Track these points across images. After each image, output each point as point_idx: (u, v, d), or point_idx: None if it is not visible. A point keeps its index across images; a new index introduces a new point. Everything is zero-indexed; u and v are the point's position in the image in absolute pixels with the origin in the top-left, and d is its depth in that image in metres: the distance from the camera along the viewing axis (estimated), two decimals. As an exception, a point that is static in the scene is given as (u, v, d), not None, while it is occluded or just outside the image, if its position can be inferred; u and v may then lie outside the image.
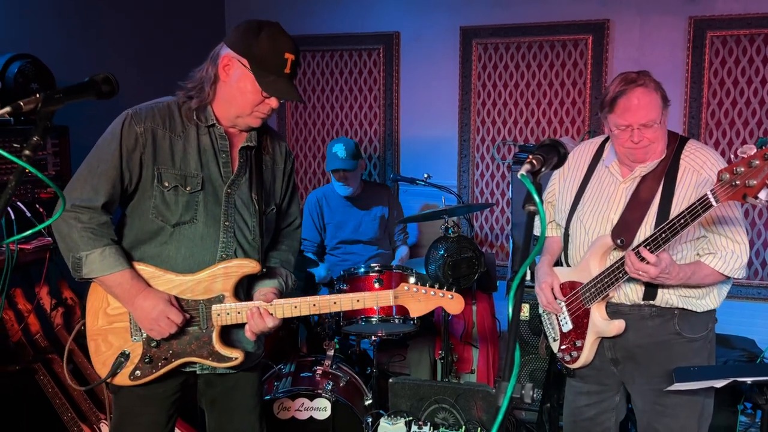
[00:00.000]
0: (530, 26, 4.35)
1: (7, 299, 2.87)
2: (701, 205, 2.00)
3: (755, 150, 1.86)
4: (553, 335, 2.57)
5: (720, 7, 4.00)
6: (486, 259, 3.50)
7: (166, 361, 2.08)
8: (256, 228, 2.14)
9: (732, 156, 1.91)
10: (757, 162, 1.85)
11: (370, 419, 3.04)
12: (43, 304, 3.05)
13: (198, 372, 2.17)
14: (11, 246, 2.73)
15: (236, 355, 2.09)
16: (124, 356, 2.06)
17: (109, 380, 2.08)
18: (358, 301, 2.08)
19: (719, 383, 1.96)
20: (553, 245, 2.60)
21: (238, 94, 2.00)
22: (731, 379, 1.95)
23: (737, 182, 1.89)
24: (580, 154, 2.52)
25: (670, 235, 2.07)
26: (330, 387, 3.03)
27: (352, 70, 4.79)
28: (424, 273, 3.31)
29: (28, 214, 2.89)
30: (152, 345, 2.06)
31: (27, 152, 1.27)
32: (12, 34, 3.31)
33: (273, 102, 2.01)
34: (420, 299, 2.08)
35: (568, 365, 2.52)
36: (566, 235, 2.49)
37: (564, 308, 2.46)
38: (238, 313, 2.07)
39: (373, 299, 2.09)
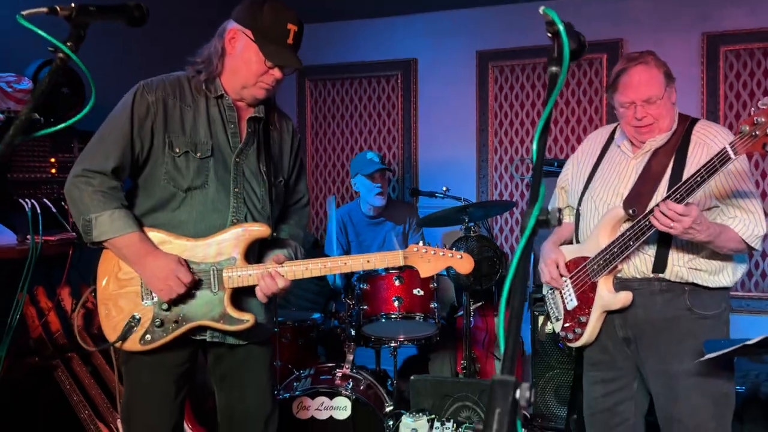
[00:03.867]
0: (544, 48, 4.43)
1: (29, 296, 2.89)
2: (719, 160, 1.99)
3: None
4: (556, 314, 2.52)
5: (732, 23, 4.07)
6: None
7: (176, 324, 2.06)
8: (265, 197, 2.18)
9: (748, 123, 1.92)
10: None
11: (391, 421, 2.97)
12: (65, 305, 3.05)
13: (208, 339, 2.14)
14: (36, 238, 2.77)
15: (247, 318, 2.08)
16: (135, 320, 2.05)
17: (118, 345, 2.06)
18: (368, 261, 2.09)
19: (753, 340, 1.91)
20: (563, 230, 2.59)
21: (242, 65, 2.07)
22: (764, 336, 1.90)
23: (757, 132, 1.89)
24: (593, 139, 2.56)
25: (686, 194, 2.05)
26: (350, 386, 2.97)
27: (371, 96, 4.90)
28: (445, 275, 3.28)
29: (54, 209, 2.94)
30: (163, 309, 2.05)
31: (60, 56, 1.30)
32: (44, 40, 3.43)
33: (276, 73, 2.07)
34: (429, 260, 2.09)
35: (570, 343, 2.47)
36: (577, 214, 2.49)
37: (569, 285, 2.43)
38: (249, 275, 2.07)
39: (383, 259, 2.10)
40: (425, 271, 2.09)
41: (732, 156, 1.96)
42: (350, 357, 3.22)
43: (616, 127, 2.50)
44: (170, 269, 2.00)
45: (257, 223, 2.12)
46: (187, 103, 2.10)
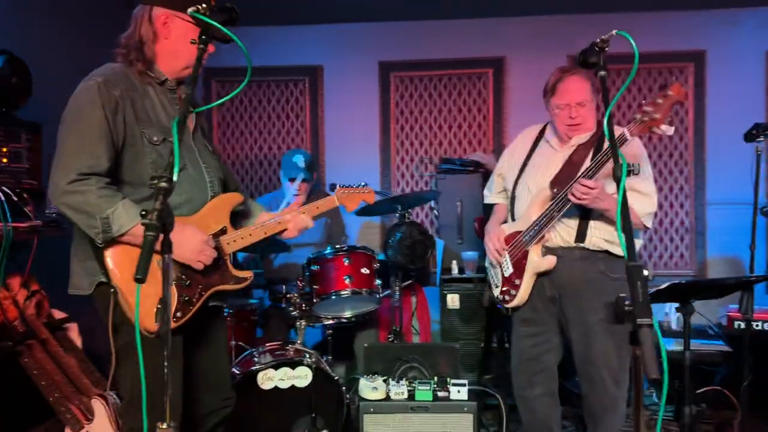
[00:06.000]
0: (439, 62, 5.04)
1: (-11, 284, 2.88)
2: (619, 140, 2.55)
3: (660, 92, 2.50)
4: (495, 282, 3.06)
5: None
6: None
7: (199, 295, 2.23)
8: (219, 168, 2.42)
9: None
10: (660, 100, 2.48)
11: (344, 388, 3.31)
12: (16, 294, 3.06)
13: (210, 304, 2.30)
14: (8, 226, 2.80)
15: (249, 275, 2.36)
16: (163, 302, 2.15)
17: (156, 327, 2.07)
18: (303, 213, 2.52)
19: (662, 286, 2.53)
20: (499, 213, 3.16)
21: (183, 47, 2.20)
22: (672, 282, 2.53)
23: (645, 119, 2.50)
24: (526, 135, 3.12)
25: (596, 170, 2.64)
26: (308, 357, 3.27)
27: (280, 99, 5.20)
28: (383, 259, 3.68)
29: (15, 198, 2.96)
30: (185, 285, 2.20)
31: (201, 46, 1.56)
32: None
33: (211, 48, 2.19)
34: (352, 198, 2.75)
35: (506, 305, 3.00)
36: (513, 197, 3.03)
37: (507, 256, 2.96)
38: (242, 238, 2.34)
39: (324, 204, 2.63)
40: (350, 206, 2.74)
41: (628, 137, 2.57)
42: (301, 334, 3.51)
43: (544, 127, 3.09)
44: (201, 239, 2.15)
45: (232, 193, 2.40)
46: (140, 93, 2.18)
